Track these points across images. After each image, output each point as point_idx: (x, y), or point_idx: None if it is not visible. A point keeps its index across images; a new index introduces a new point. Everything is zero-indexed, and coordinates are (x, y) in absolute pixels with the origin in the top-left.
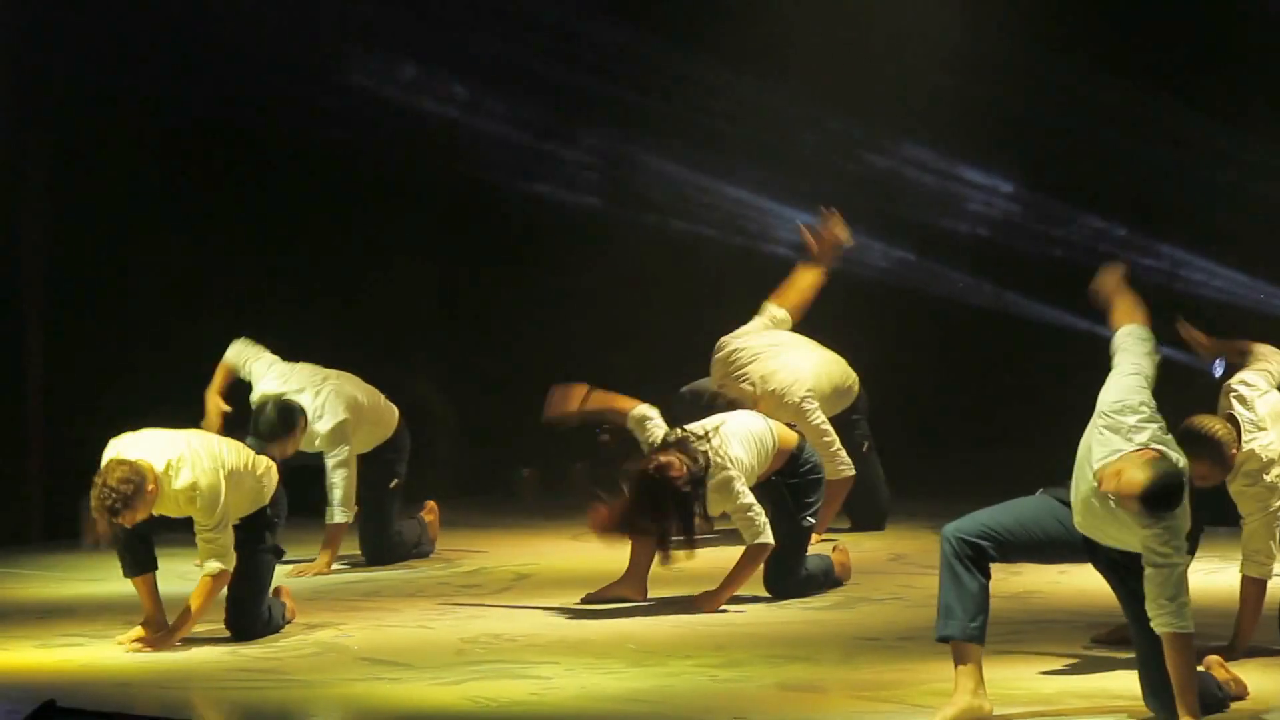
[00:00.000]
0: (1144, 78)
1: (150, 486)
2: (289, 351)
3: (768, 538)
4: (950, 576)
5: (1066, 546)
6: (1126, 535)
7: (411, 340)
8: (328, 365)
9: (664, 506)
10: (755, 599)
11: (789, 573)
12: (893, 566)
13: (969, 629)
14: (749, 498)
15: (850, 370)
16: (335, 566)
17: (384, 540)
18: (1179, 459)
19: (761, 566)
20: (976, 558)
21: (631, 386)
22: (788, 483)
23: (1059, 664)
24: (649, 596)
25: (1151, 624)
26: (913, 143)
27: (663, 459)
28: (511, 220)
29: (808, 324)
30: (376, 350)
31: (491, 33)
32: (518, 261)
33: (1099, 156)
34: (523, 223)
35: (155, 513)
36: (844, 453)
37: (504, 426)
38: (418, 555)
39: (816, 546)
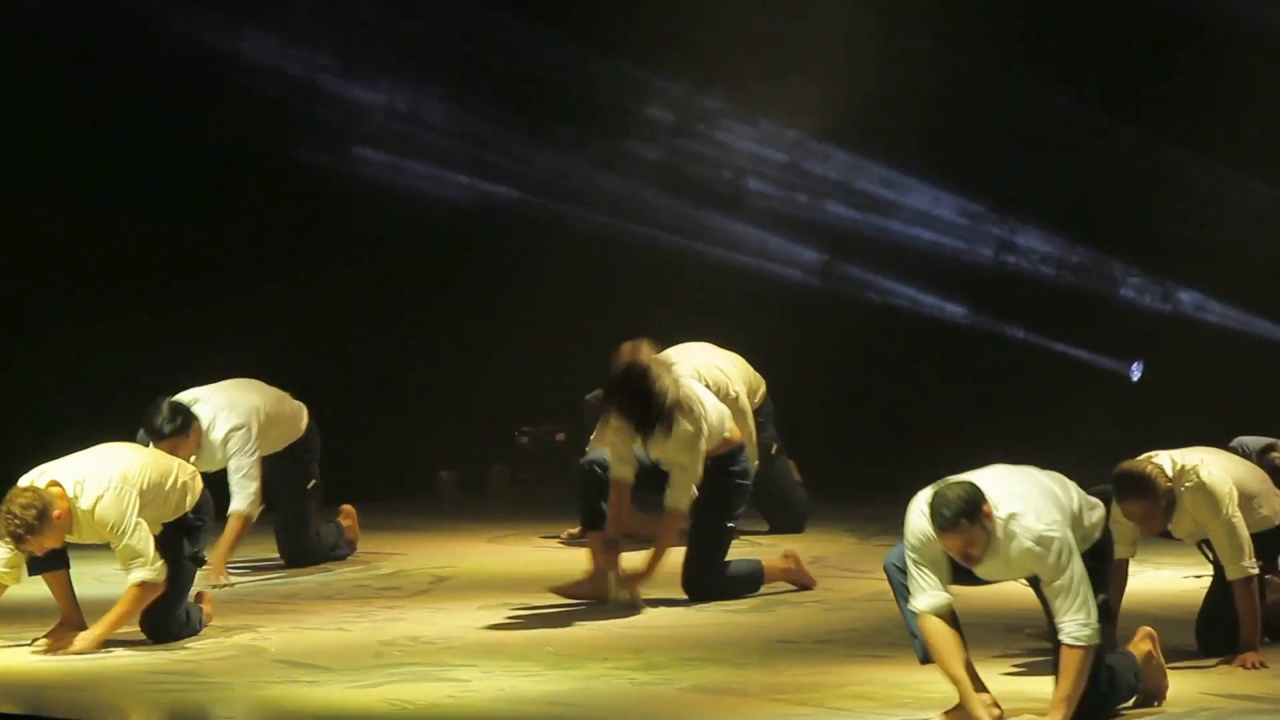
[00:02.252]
0: (1067, 86)
1: (56, 513)
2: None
3: (685, 507)
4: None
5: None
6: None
7: (329, 346)
8: (244, 368)
9: (632, 398)
10: (673, 602)
11: (707, 569)
12: (811, 569)
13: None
14: (700, 464)
15: (757, 373)
16: (253, 569)
17: (301, 542)
18: None
19: (681, 568)
20: None
21: (552, 394)
22: (724, 479)
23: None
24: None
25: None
26: (840, 148)
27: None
28: (435, 229)
29: (715, 327)
30: (299, 353)
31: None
32: (441, 268)
33: (1023, 161)
34: (445, 230)
35: (73, 538)
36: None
37: (423, 429)
38: (335, 557)
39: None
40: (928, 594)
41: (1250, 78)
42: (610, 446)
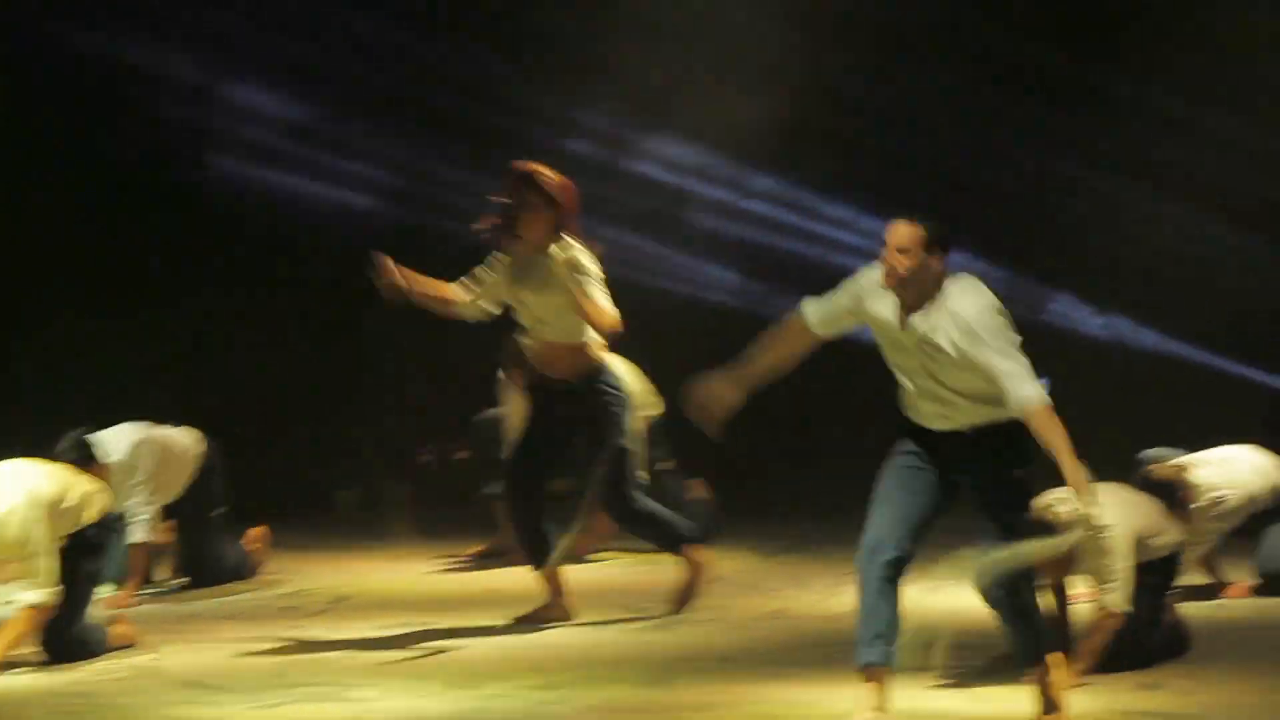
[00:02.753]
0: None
1: None
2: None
3: (612, 319)
4: (876, 600)
5: (941, 491)
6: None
7: (226, 365)
8: (139, 387)
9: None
10: (578, 624)
11: (624, 496)
12: (712, 588)
13: (892, 654)
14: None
15: (654, 392)
16: (153, 589)
17: (204, 562)
18: None
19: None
20: (899, 574)
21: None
22: (599, 398)
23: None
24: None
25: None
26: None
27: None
28: (332, 248)
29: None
30: (194, 373)
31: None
32: (337, 286)
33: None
34: (343, 248)
35: None
36: None
37: (323, 448)
38: (238, 578)
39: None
40: (812, 305)
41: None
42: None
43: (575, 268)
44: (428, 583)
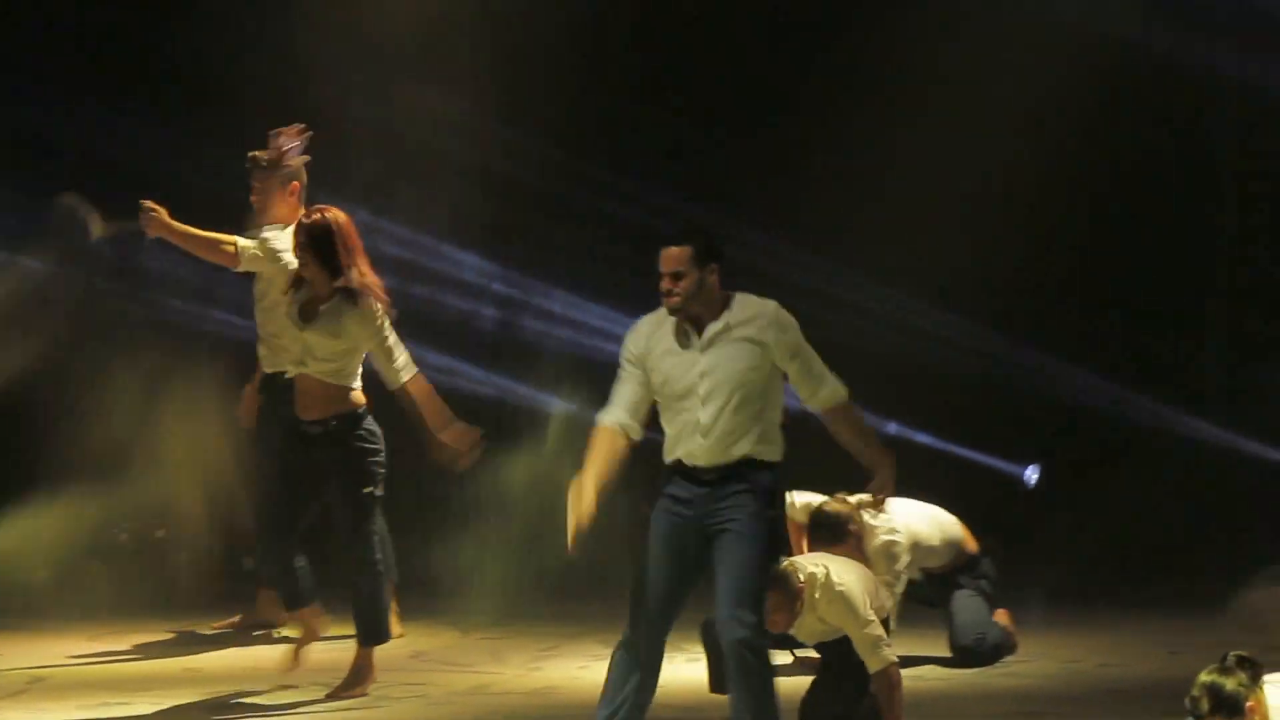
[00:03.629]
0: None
1: None
2: None
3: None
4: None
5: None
6: None
7: None
8: None
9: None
10: (274, 704)
11: (364, 540)
12: (413, 664)
13: None
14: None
15: None
16: None
17: None
18: None
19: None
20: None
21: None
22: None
23: None
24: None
25: None
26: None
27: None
28: None
29: None
30: None
31: None
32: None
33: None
34: None
35: None
36: None
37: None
38: None
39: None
40: (612, 408)
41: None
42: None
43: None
44: (127, 662)
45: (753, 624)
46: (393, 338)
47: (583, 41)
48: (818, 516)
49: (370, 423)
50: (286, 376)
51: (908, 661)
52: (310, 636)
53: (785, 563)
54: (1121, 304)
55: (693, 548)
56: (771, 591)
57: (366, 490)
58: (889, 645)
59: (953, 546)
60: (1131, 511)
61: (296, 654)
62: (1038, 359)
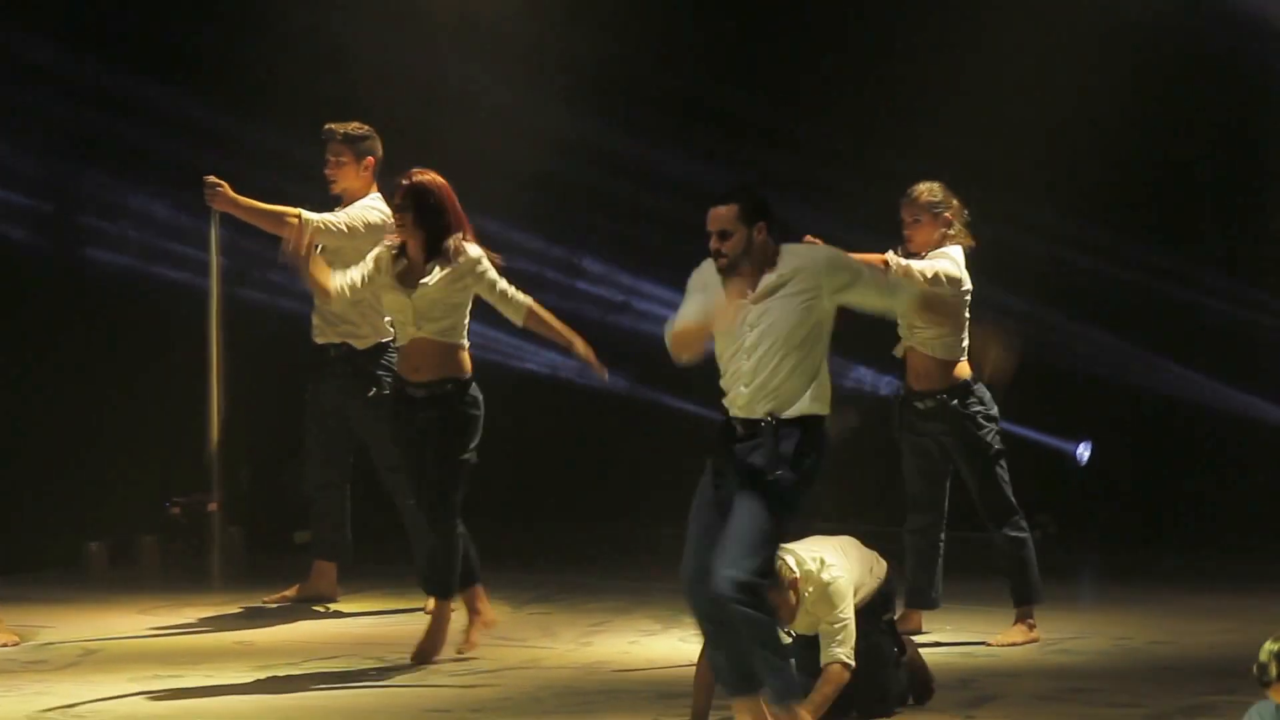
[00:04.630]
0: None
1: None
2: None
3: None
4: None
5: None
6: None
7: None
8: None
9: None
10: (327, 675)
11: (446, 507)
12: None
13: None
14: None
15: None
16: None
17: None
18: None
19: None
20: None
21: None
22: (459, 407)
23: None
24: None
25: None
26: None
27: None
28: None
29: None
30: None
31: None
32: (89, 331)
33: None
34: (89, 293)
35: None
36: None
37: (71, 499)
38: None
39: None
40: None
41: None
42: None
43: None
44: (178, 635)
45: (738, 575)
46: (502, 281)
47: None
48: None
49: (475, 389)
50: (395, 345)
51: (956, 640)
52: (477, 618)
53: (781, 554)
54: (1177, 279)
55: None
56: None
57: (464, 456)
58: (851, 646)
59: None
60: (1184, 489)
61: (469, 637)
62: (1091, 334)
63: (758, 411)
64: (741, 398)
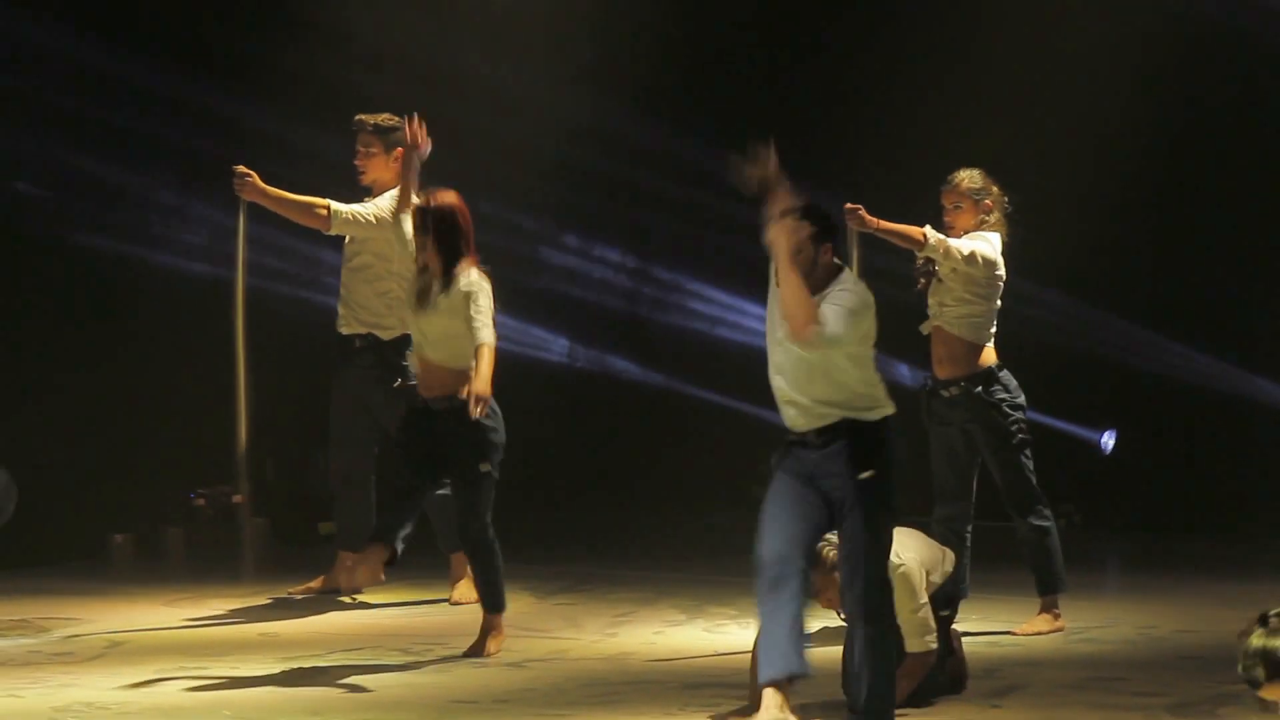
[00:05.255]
0: None
1: None
2: None
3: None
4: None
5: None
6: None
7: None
8: None
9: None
10: (354, 663)
11: (475, 520)
12: None
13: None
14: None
15: None
16: None
17: None
18: None
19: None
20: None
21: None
22: (476, 426)
23: None
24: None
25: None
26: None
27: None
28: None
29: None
30: None
31: None
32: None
33: None
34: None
35: None
36: None
37: (96, 491)
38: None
39: None
40: None
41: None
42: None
43: (467, 301)
44: (204, 626)
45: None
46: (483, 314)
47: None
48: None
49: (491, 402)
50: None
51: (981, 630)
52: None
53: (827, 538)
54: (1198, 269)
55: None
56: (812, 570)
57: (484, 469)
58: (933, 632)
59: None
60: (1209, 477)
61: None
62: (1114, 324)
63: (811, 424)
64: (790, 418)
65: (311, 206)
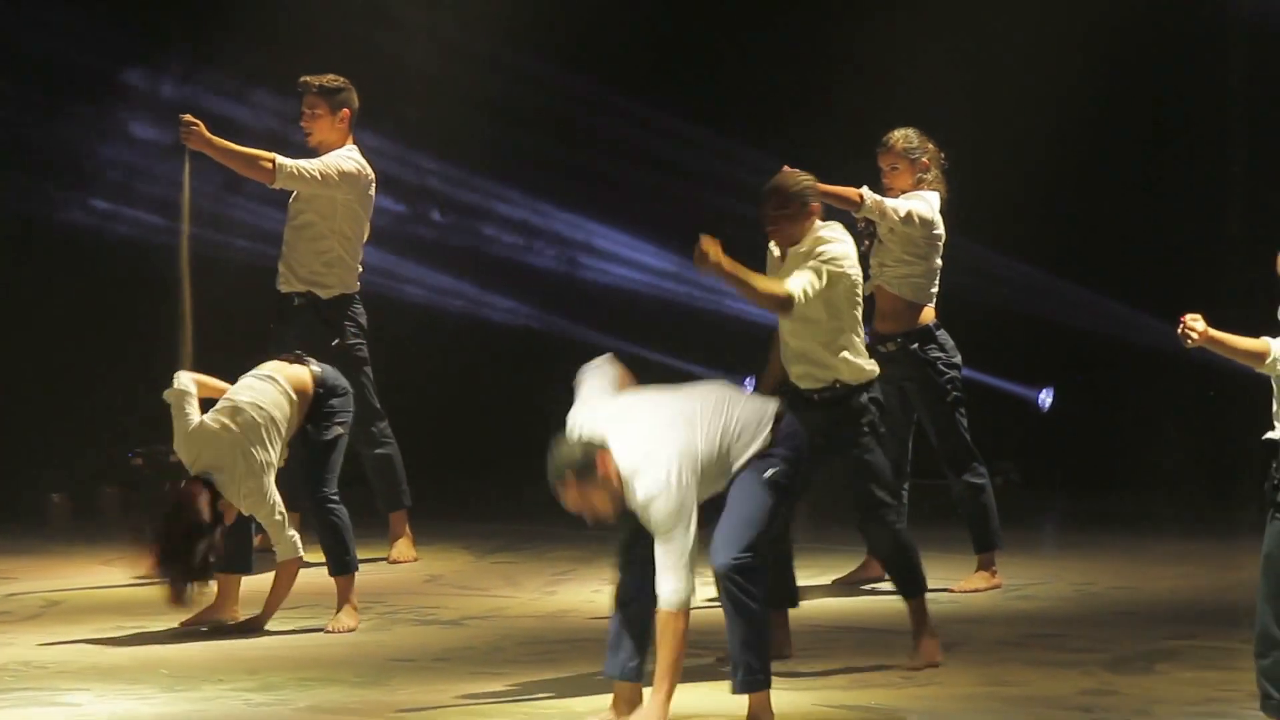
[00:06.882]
0: None
1: None
2: None
3: (299, 550)
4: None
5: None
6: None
7: None
8: None
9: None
10: (295, 626)
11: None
12: (427, 588)
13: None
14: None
15: None
16: None
17: None
18: None
19: None
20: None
21: (163, 414)
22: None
23: (596, 683)
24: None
25: None
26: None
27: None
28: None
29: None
30: None
31: None
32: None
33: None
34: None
35: None
36: None
37: (32, 450)
38: None
39: None
40: None
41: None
42: None
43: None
44: (140, 586)
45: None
46: None
47: None
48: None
49: (332, 374)
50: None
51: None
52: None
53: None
54: (1135, 227)
55: None
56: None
57: (329, 436)
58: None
59: None
60: (1144, 435)
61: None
62: (1051, 283)
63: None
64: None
65: (257, 159)
